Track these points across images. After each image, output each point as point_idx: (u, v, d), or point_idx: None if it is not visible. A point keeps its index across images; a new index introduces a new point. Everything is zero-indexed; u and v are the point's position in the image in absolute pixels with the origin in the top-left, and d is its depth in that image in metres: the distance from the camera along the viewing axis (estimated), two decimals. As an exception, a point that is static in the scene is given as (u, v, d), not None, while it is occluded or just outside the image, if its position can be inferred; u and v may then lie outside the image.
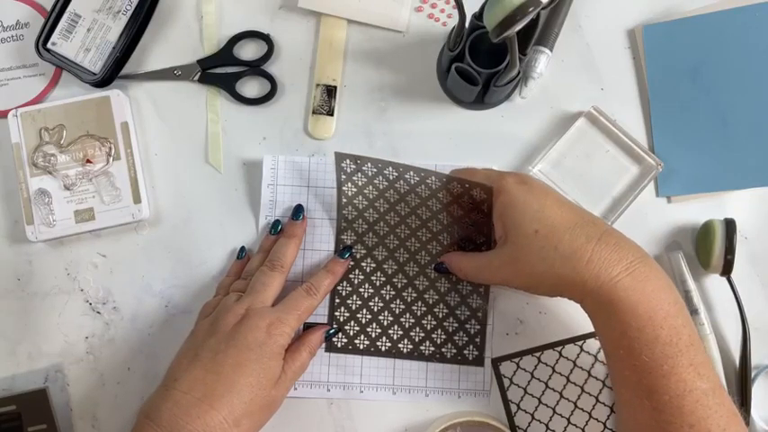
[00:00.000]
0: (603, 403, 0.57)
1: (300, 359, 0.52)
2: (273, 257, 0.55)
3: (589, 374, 0.57)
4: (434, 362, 0.57)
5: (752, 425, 0.56)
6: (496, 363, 0.57)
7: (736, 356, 0.57)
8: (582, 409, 0.57)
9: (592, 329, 0.57)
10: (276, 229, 0.57)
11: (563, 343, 0.57)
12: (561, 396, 0.57)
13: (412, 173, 0.54)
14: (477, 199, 0.53)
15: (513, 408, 0.57)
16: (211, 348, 0.49)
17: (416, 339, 0.57)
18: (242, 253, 0.58)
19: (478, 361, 0.57)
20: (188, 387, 0.47)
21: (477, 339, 0.57)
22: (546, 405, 0.57)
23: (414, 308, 0.57)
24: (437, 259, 0.57)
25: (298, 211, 0.57)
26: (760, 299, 0.58)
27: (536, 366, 0.57)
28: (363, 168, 0.55)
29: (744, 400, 0.56)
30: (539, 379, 0.57)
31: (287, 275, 0.55)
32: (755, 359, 0.57)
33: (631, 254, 0.46)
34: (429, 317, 0.57)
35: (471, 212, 0.55)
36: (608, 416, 0.57)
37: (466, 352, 0.57)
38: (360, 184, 0.56)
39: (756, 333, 0.57)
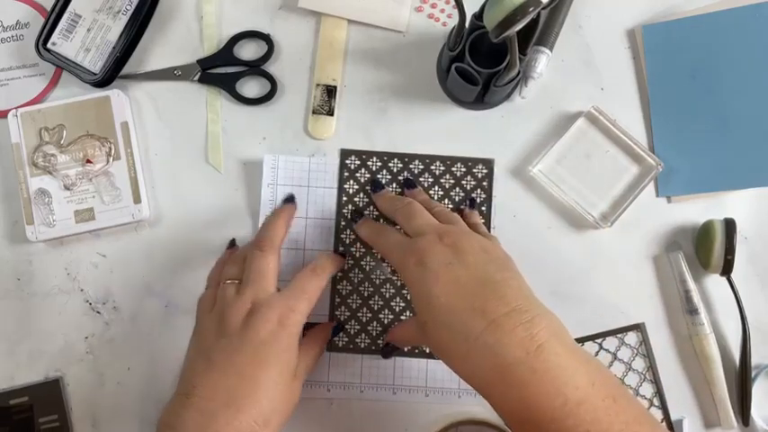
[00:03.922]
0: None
1: (313, 352, 0.51)
2: (261, 237, 0.52)
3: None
4: (435, 359, 0.57)
5: (752, 425, 0.56)
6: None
7: (736, 356, 0.57)
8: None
9: (589, 332, 0.57)
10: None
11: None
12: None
13: (417, 161, 0.57)
14: (479, 176, 0.57)
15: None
16: (225, 349, 0.47)
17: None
18: (232, 244, 0.57)
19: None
20: (210, 393, 0.45)
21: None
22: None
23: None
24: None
25: (289, 199, 0.56)
26: (760, 299, 0.58)
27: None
28: (368, 163, 0.57)
29: (744, 400, 0.56)
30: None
31: (279, 253, 0.52)
32: (755, 359, 0.57)
33: (518, 348, 0.41)
34: (429, 317, 0.57)
35: (472, 192, 0.58)
36: (608, 416, 0.57)
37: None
38: (362, 180, 0.57)
39: (756, 333, 0.57)
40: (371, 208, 0.58)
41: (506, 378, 0.41)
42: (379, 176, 0.58)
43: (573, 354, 0.42)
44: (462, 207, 0.57)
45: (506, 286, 0.44)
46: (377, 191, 0.56)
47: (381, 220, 0.57)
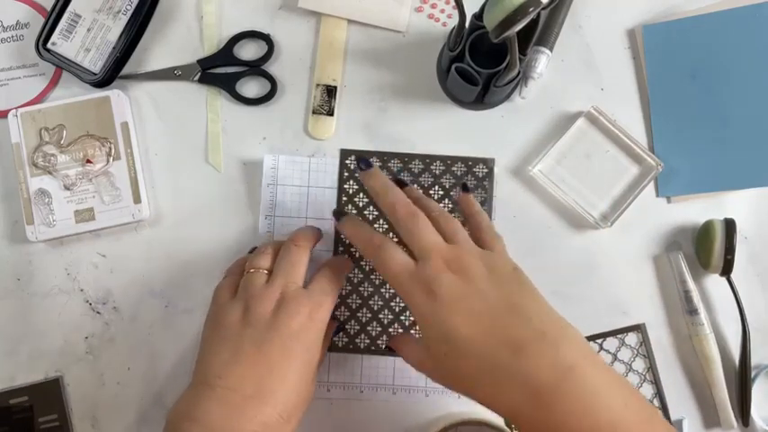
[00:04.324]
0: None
1: (323, 351, 0.51)
2: (297, 234, 0.52)
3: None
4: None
5: (752, 425, 0.56)
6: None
7: (736, 356, 0.57)
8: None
9: (589, 332, 0.57)
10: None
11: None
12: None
13: (417, 161, 0.57)
14: (480, 176, 0.56)
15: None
16: (254, 340, 0.45)
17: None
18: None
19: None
20: (236, 384, 0.44)
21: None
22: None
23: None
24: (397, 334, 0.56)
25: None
26: (760, 299, 0.58)
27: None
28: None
29: (744, 400, 0.56)
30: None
31: (310, 254, 0.51)
32: (755, 359, 0.57)
33: (548, 372, 0.40)
34: (429, 317, 0.57)
35: (473, 192, 0.57)
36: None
37: (466, 352, 0.57)
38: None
39: (756, 333, 0.57)
40: (371, 208, 0.58)
41: (537, 402, 0.40)
42: None
43: (604, 374, 0.41)
44: (453, 195, 0.57)
45: (526, 308, 0.43)
46: (364, 169, 0.51)
47: (381, 220, 0.57)
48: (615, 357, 0.57)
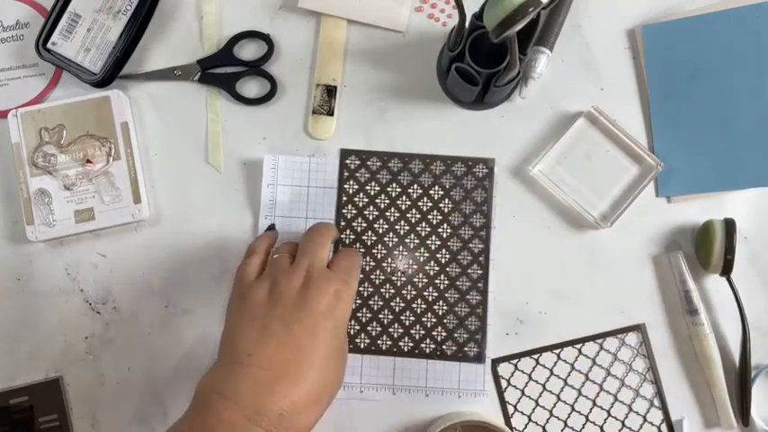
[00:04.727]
0: (600, 407, 0.57)
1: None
2: (320, 225, 0.53)
3: (587, 378, 0.57)
4: (435, 359, 0.57)
5: (752, 425, 0.56)
6: (494, 364, 0.57)
7: (736, 356, 0.57)
8: (579, 411, 0.57)
9: (589, 332, 0.57)
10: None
11: (561, 346, 0.57)
12: (558, 399, 0.57)
13: (417, 161, 0.57)
14: (480, 176, 0.56)
15: (510, 409, 0.57)
16: (282, 318, 0.45)
17: (417, 337, 0.57)
18: (273, 228, 0.56)
19: (479, 358, 0.57)
20: (267, 363, 0.44)
21: (478, 336, 0.57)
22: (543, 407, 0.57)
23: (413, 305, 0.57)
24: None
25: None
26: (760, 299, 0.58)
27: (534, 368, 0.57)
28: (368, 163, 0.57)
29: (744, 401, 0.56)
30: (536, 381, 0.57)
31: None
32: (755, 359, 0.57)
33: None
34: (429, 314, 0.57)
35: (472, 192, 0.57)
36: (605, 419, 0.57)
37: (466, 349, 0.57)
38: (362, 180, 0.57)
39: (756, 333, 0.57)
40: (371, 208, 0.58)
41: None
42: (379, 176, 0.58)
43: None
44: (453, 195, 0.57)
45: None
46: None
47: (381, 220, 0.57)
48: (615, 357, 0.57)
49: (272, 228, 0.56)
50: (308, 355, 0.44)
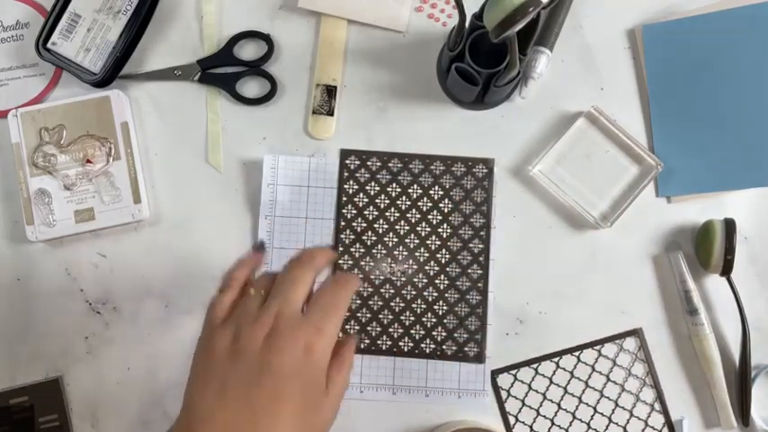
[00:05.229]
0: (602, 413, 0.57)
1: (342, 378, 0.43)
2: (302, 253, 0.45)
3: (587, 385, 0.57)
4: (435, 359, 0.57)
5: (752, 425, 0.56)
6: (494, 375, 0.57)
7: (736, 356, 0.57)
8: (580, 419, 0.57)
9: (589, 332, 0.57)
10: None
11: (560, 354, 0.57)
12: (559, 407, 0.57)
13: (417, 161, 0.57)
14: (479, 176, 0.57)
15: (512, 420, 0.57)
16: (242, 379, 0.40)
17: (417, 337, 0.57)
18: (261, 246, 0.50)
19: (479, 358, 0.57)
20: (223, 430, 0.40)
21: (478, 336, 0.57)
22: (544, 416, 0.57)
23: (413, 305, 0.57)
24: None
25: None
26: (760, 299, 0.58)
27: (533, 378, 0.57)
28: (368, 163, 0.57)
29: (744, 401, 0.56)
30: (536, 390, 0.57)
31: (315, 278, 0.44)
32: (755, 359, 0.57)
33: None
34: (429, 314, 0.57)
35: (472, 192, 0.57)
36: (606, 426, 0.57)
37: (467, 349, 0.57)
38: (362, 180, 0.57)
39: (756, 333, 0.57)
40: (371, 208, 0.58)
41: None
42: (378, 176, 0.58)
43: None
44: (453, 195, 0.56)
45: None
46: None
47: (381, 221, 0.57)
48: (614, 363, 0.57)
49: (260, 247, 0.49)
50: (266, 424, 0.40)
